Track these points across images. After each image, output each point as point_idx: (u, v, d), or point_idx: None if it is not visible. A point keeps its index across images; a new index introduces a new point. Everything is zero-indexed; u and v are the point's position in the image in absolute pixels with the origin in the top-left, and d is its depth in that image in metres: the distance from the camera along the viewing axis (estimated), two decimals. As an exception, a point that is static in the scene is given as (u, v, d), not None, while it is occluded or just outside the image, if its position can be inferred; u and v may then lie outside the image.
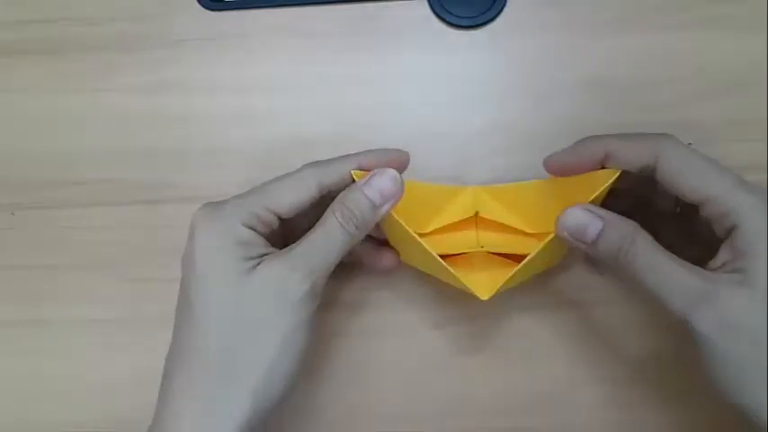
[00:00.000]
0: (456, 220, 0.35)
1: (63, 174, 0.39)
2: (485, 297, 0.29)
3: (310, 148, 0.38)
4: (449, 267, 0.29)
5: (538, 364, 0.36)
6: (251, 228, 0.29)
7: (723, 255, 0.26)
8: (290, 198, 0.30)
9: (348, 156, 0.31)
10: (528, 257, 0.29)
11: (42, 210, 0.39)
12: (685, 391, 0.35)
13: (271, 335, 0.27)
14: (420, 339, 0.37)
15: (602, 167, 0.30)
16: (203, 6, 0.39)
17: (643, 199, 0.32)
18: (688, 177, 0.27)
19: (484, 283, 0.30)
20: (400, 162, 0.32)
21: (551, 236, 0.29)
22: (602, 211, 0.28)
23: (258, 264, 0.28)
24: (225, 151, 0.38)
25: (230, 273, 0.28)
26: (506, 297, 0.32)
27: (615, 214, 0.28)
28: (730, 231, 0.26)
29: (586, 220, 0.28)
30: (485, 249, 0.34)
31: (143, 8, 0.40)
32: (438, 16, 0.39)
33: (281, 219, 0.30)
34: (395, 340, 0.37)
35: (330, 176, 0.30)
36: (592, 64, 0.38)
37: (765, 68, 0.37)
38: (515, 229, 0.34)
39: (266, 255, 0.29)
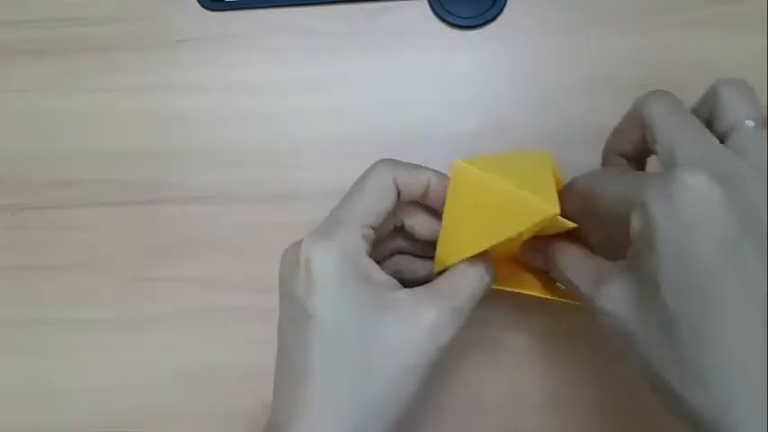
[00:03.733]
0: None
1: (63, 174, 0.39)
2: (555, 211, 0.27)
3: (310, 148, 0.38)
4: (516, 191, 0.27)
5: (540, 365, 0.36)
6: (368, 254, 0.28)
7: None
8: (383, 205, 0.28)
9: (421, 166, 0.30)
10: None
11: (42, 210, 0.39)
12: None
13: (405, 378, 0.26)
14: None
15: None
16: (203, 6, 0.39)
17: None
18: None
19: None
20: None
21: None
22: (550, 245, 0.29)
23: (394, 300, 0.27)
24: (225, 151, 0.39)
25: (359, 308, 0.26)
26: (508, 298, 0.32)
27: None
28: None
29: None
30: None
31: (143, 8, 0.40)
32: (438, 16, 0.39)
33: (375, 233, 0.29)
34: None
35: (402, 171, 0.29)
36: (592, 64, 0.38)
37: (765, 68, 0.37)
38: None
39: (393, 289, 0.27)
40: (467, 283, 0.28)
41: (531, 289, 0.32)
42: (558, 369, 0.36)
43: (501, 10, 0.38)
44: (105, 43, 0.39)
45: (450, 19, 0.38)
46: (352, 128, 0.38)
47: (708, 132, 0.25)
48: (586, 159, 0.37)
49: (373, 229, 0.28)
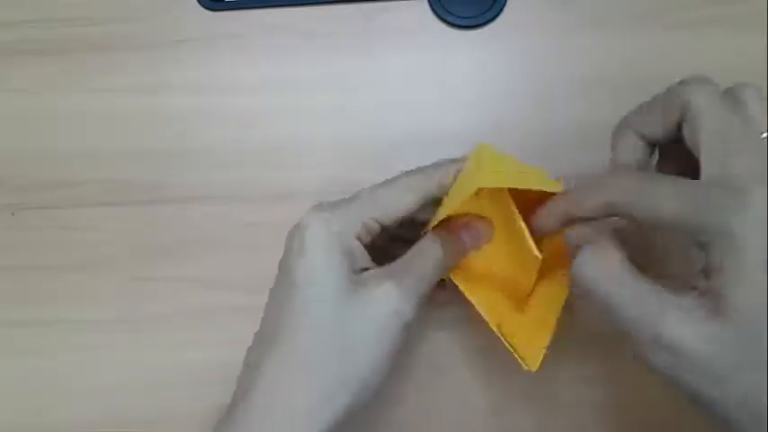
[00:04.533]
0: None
1: (63, 174, 0.39)
2: (534, 368, 0.29)
3: (310, 148, 0.38)
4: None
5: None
6: (358, 238, 0.29)
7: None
8: (397, 209, 0.29)
9: (443, 163, 0.31)
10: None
11: (42, 210, 0.39)
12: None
13: (373, 351, 0.27)
14: (423, 339, 0.37)
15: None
16: (203, 6, 0.39)
17: None
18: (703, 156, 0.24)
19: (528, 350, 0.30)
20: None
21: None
22: (581, 229, 0.27)
23: (364, 278, 0.28)
24: (224, 151, 0.39)
25: (338, 282, 0.28)
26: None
27: (593, 231, 0.27)
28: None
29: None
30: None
31: (143, 8, 0.40)
32: (438, 16, 0.39)
33: (381, 227, 0.30)
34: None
35: (430, 187, 0.30)
36: (592, 64, 0.38)
37: (765, 68, 0.37)
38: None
39: (368, 269, 0.29)
40: (420, 261, 0.29)
41: (488, 313, 0.31)
42: (561, 369, 0.36)
43: (501, 10, 0.38)
44: (105, 43, 0.39)
45: (449, 19, 0.38)
46: (352, 128, 0.38)
47: (758, 134, 0.24)
48: (586, 159, 0.37)
49: (380, 224, 0.29)
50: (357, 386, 0.27)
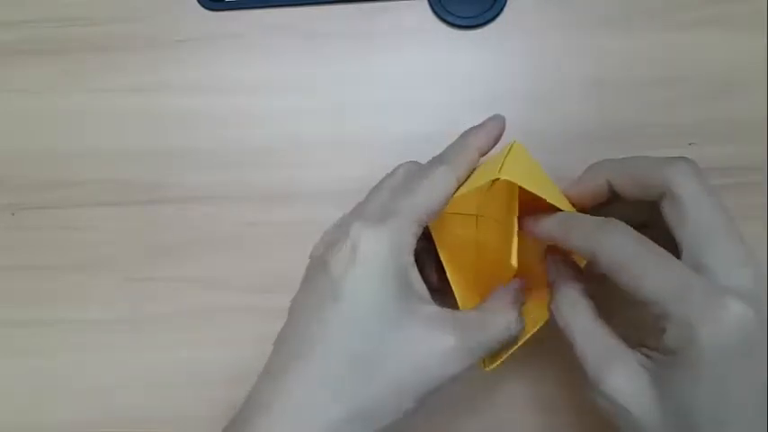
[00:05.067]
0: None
1: (63, 174, 0.39)
2: (489, 369, 0.30)
3: (310, 149, 0.38)
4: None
5: (539, 365, 0.36)
6: (411, 253, 0.27)
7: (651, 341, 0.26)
8: (439, 204, 0.28)
9: (463, 143, 0.30)
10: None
11: (42, 210, 0.39)
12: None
13: (411, 386, 0.26)
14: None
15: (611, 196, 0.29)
16: (203, 6, 0.39)
17: None
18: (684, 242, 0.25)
19: None
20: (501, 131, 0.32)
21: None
22: (560, 266, 0.29)
23: (425, 311, 0.27)
24: (224, 151, 0.39)
25: (389, 302, 0.26)
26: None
27: (567, 270, 0.29)
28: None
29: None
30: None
31: (143, 8, 0.40)
32: (438, 16, 0.39)
33: None
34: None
35: (462, 172, 0.29)
36: (592, 64, 0.38)
37: (765, 68, 0.37)
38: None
39: (423, 299, 0.27)
40: (496, 325, 0.28)
41: (462, 300, 0.31)
42: (560, 370, 0.36)
43: (501, 10, 0.38)
44: (105, 43, 0.39)
45: (449, 19, 0.38)
46: (352, 128, 0.38)
47: (737, 235, 0.25)
48: (586, 159, 0.37)
49: (423, 226, 0.28)
50: (386, 413, 0.26)
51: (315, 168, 0.38)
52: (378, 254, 0.26)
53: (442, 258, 0.31)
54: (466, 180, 0.30)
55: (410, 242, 0.27)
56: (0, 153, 0.39)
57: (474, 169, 0.30)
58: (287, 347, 0.27)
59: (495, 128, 0.31)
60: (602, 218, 0.27)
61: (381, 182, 0.31)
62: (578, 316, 0.27)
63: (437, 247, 0.31)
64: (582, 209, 0.30)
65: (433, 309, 0.27)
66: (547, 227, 0.28)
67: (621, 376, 0.25)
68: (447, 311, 0.28)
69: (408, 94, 0.39)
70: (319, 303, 0.26)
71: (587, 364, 0.26)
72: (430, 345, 0.26)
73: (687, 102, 0.37)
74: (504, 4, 0.38)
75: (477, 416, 0.36)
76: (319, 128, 0.38)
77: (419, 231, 0.28)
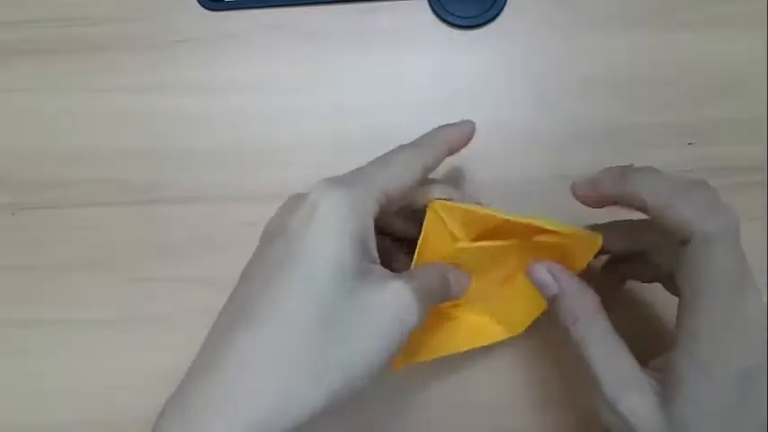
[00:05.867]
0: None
1: (63, 174, 0.39)
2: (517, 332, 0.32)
3: (310, 148, 0.38)
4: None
5: (538, 366, 0.36)
6: (372, 216, 0.27)
7: (661, 360, 0.27)
8: (405, 181, 0.28)
9: (434, 135, 0.31)
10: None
11: (42, 210, 0.39)
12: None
13: (372, 348, 0.25)
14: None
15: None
16: (203, 6, 0.39)
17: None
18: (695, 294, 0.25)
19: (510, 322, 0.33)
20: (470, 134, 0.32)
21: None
22: (565, 279, 0.29)
23: (375, 271, 0.26)
24: (224, 151, 0.39)
25: (347, 264, 0.25)
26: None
27: (579, 284, 0.29)
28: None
29: (544, 280, 0.29)
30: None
31: (143, 8, 0.40)
32: (438, 16, 0.39)
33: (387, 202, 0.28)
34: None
35: (429, 160, 0.29)
36: (592, 64, 0.38)
37: (765, 68, 0.37)
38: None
39: (374, 263, 0.27)
40: (431, 275, 0.29)
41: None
42: (559, 370, 0.36)
43: (501, 10, 0.38)
44: (105, 43, 0.39)
45: (449, 19, 0.38)
46: (352, 128, 0.38)
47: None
48: (586, 159, 0.37)
49: (387, 200, 0.28)
50: (348, 375, 0.24)
51: (315, 168, 0.38)
52: (337, 212, 0.25)
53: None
54: (432, 166, 0.30)
55: (372, 208, 0.27)
56: (0, 153, 0.39)
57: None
58: (232, 313, 0.26)
59: (467, 128, 0.32)
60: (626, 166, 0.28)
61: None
62: (596, 334, 0.28)
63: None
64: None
65: (386, 271, 0.27)
66: (584, 188, 0.29)
67: (637, 400, 0.26)
68: (390, 272, 0.27)
69: (408, 94, 0.39)
70: (273, 265, 0.25)
71: (604, 384, 0.26)
72: (386, 300, 0.25)
73: (687, 102, 0.37)
74: (504, 4, 0.38)
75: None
76: (319, 128, 0.38)
77: (382, 199, 0.27)
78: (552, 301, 0.29)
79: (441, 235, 0.30)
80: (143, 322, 0.38)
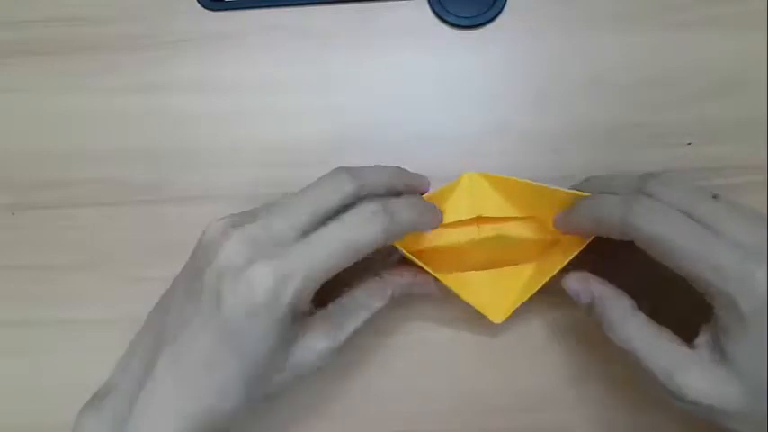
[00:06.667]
0: (456, 220, 0.34)
1: (63, 174, 0.39)
2: (498, 321, 0.33)
3: (310, 149, 0.38)
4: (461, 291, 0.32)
5: (538, 363, 0.36)
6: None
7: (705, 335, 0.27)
8: (333, 203, 0.29)
9: (382, 168, 0.32)
10: (541, 283, 0.32)
11: (42, 209, 0.39)
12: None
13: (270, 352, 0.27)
14: (421, 338, 0.37)
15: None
16: (203, 6, 0.39)
17: None
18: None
19: (496, 304, 0.33)
20: (421, 188, 0.33)
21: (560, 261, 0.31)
22: (597, 286, 0.30)
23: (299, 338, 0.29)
24: (224, 151, 0.39)
25: (278, 347, 0.28)
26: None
27: (611, 290, 0.29)
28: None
29: (578, 289, 0.30)
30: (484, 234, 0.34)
31: (143, 8, 0.40)
32: (438, 16, 0.39)
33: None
34: (396, 339, 0.37)
35: (366, 181, 0.30)
36: (592, 64, 0.38)
37: (765, 68, 0.37)
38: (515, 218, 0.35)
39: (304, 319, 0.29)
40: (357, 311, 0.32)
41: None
42: (559, 367, 0.36)
43: (501, 10, 0.38)
44: (105, 43, 0.39)
45: (449, 19, 0.38)
46: (352, 128, 0.38)
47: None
48: (586, 159, 0.37)
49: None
50: (254, 386, 0.27)
51: (315, 168, 0.38)
52: (274, 305, 0.26)
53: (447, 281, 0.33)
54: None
55: (311, 292, 0.27)
56: (0, 153, 0.39)
57: None
58: (158, 336, 0.29)
59: (420, 183, 0.33)
60: (624, 197, 0.28)
61: (306, 192, 0.30)
62: (636, 331, 0.28)
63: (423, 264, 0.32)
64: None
65: (307, 321, 0.29)
66: (574, 223, 0.30)
67: (697, 379, 0.26)
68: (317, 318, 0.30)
69: (408, 95, 0.39)
70: (198, 306, 0.27)
71: (660, 376, 0.27)
72: (305, 356, 0.29)
73: (687, 102, 0.37)
74: (504, 4, 0.38)
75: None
76: (319, 128, 0.38)
77: (325, 278, 0.27)
78: (588, 309, 0.30)
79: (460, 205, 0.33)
80: (143, 322, 0.37)
